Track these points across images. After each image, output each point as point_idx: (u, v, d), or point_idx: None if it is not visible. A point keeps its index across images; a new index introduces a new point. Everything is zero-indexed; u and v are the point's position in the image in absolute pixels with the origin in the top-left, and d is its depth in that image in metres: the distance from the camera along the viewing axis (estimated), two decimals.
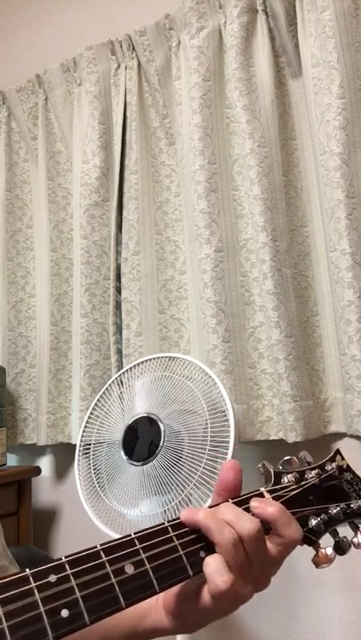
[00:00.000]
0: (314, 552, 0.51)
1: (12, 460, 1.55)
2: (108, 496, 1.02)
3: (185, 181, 1.29)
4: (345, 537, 0.53)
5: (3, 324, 1.51)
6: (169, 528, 0.46)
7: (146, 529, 0.45)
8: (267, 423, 1.15)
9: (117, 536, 0.96)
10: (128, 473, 0.99)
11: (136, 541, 0.44)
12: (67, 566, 0.41)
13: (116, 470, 1.02)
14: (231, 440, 0.91)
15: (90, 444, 1.10)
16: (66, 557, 0.41)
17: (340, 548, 0.52)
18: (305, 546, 0.51)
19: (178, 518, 0.47)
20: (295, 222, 1.22)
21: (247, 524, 0.45)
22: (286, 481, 0.54)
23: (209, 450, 0.92)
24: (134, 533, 0.45)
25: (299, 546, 0.49)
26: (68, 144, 1.54)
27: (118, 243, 1.39)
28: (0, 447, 1.34)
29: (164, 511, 0.94)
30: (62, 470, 1.49)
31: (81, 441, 1.11)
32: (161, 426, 0.97)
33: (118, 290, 1.38)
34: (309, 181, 1.23)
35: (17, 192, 1.60)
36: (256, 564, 0.46)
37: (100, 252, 1.39)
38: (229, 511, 0.47)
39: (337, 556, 0.51)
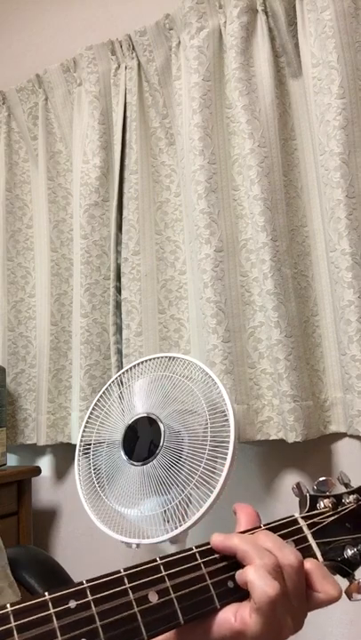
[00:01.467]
0: (348, 583, 0.48)
1: (12, 460, 1.55)
2: (107, 496, 1.02)
3: (185, 181, 1.29)
4: None
5: (3, 324, 1.51)
6: (197, 554, 0.43)
7: (173, 554, 0.43)
8: (267, 423, 1.15)
9: (117, 536, 0.96)
10: (128, 473, 0.99)
11: (162, 568, 0.41)
12: (88, 592, 0.38)
13: (115, 470, 1.02)
14: (231, 440, 0.91)
15: (90, 444, 1.10)
16: (87, 582, 0.39)
17: None
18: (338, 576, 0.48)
19: (207, 543, 0.44)
20: (295, 222, 1.22)
21: (290, 555, 0.42)
22: (322, 506, 0.51)
23: (209, 450, 0.92)
24: (160, 559, 0.42)
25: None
26: (68, 144, 1.54)
27: (118, 243, 1.39)
28: (0, 447, 1.34)
29: (164, 511, 0.94)
30: (62, 470, 1.49)
31: (81, 441, 1.11)
32: (161, 426, 0.97)
33: (118, 290, 1.38)
34: (309, 181, 1.23)
35: (17, 192, 1.60)
36: (295, 599, 0.42)
37: (100, 252, 1.39)
38: (270, 539, 0.43)
39: None
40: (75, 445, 1.15)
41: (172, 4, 1.34)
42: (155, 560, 0.42)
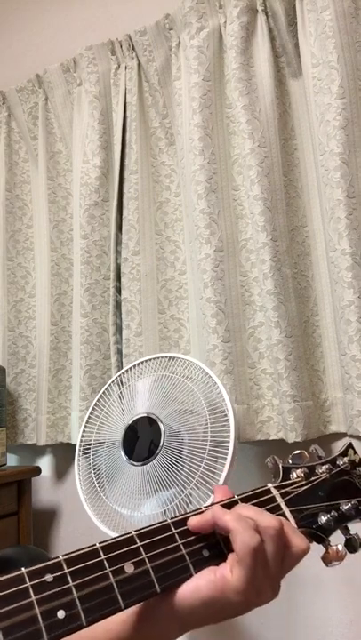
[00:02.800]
0: (323, 550, 0.49)
1: (12, 460, 1.55)
2: (108, 496, 1.02)
3: (185, 181, 1.29)
4: (356, 534, 0.51)
5: (3, 324, 1.51)
6: (171, 525, 0.45)
7: (147, 527, 0.44)
8: (267, 423, 1.15)
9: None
10: (128, 473, 0.99)
11: (137, 539, 0.43)
12: (64, 565, 0.39)
13: (116, 470, 1.02)
14: (231, 440, 0.91)
15: (90, 444, 1.10)
16: (63, 556, 0.40)
17: (352, 545, 0.50)
18: (314, 543, 0.49)
19: (180, 515, 0.46)
20: (295, 222, 1.22)
21: (271, 519, 0.44)
22: (295, 476, 0.53)
23: (209, 450, 0.92)
24: (135, 531, 0.43)
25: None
26: (68, 144, 1.54)
27: (118, 243, 1.39)
28: (0, 447, 1.34)
29: (165, 511, 0.94)
30: (62, 470, 1.49)
31: (81, 441, 1.11)
32: (161, 426, 0.97)
33: (118, 290, 1.38)
34: (309, 181, 1.23)
35: (17, 192, 1.60)
36: (274, 563, 0.44)
37: (100, 252, 1.39)
38: (248, 507, 0.45)
39: (347, 553, 0.49)
40: (75, 445, 1.15)
41: (172, 4, 1.34)
42: (130, 533, 0.43)
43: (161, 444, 0.95)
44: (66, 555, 0.40)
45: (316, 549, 0.51)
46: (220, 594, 0.41)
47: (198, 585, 0.42)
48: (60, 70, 1.53)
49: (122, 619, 0.45)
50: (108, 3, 1.58)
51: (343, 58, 1.11)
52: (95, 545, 0.41)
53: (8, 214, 1.57)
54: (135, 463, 0.98)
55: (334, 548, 0.49)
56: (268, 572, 0.43)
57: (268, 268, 1.13)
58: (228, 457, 0.90)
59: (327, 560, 0.49)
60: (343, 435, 1.15)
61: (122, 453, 1.01)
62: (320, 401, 1.15)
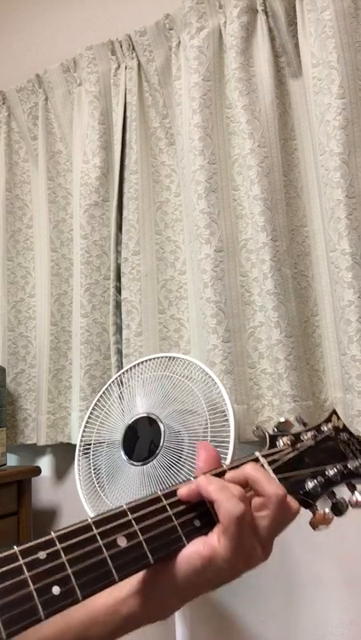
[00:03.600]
0: (311, 515, 0.50)
1: (12, 460, 1.55)
2: (108, 496, 1.02)
3: (185, 181, 1.29)
4: (342, 498, 0.52)
5: (3, 324, 1.51)
6: (162, 497, 0.45)
7: (138, 499, 0.44)
8: (267, 423, 1.15)
9: None
10: (128, 473, 0.99)
11: (128, 513, 0.43)
12: (56, 542, 0.39)
13: (116, 470, 1.02)
14: (231, 440, 0.91)
15: (90, 444, 1.10)
16: (55, 532, 0.40)
17: (338, 509, 0.51)
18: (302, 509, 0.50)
19: (171, 487, 0.46)
20: (295, 222, 1.22)
21: (277, 489, 0.44)
22: (281, 444, 0.53)
23: None
24: (126, 504, 0.43)
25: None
26: (68, 144, 1.54)
27: (118, 243, 1.39)
28: (0, 447, 1.34)
29: None
30: (62, 470, 1.49)
31: (81, 441, 1.11)
32: (161, 426, 0.97)
33: (118, 290, 1.38)
34: (309, 181, 1.23)
35: (17, 192, 1.60)
36: (265, 528, 0.45)
37: (100, 252, 1.39)
38: (257, 471, 0.46)
39: (335, 517, 0.50)
40: (75, 445, 1.15)
41: (172, 4, 1.34)
42: (121, 506, 0.43)
43: (161, 444, 0.95)
44: (58, 531, 0.40)
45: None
46: (209, 563, 0.42)
47: (189, 555, 0.43)
48: (60, 70, 1.52)
49: (121, 596, 0.46)
50: (108, 3, 1.58)
51: (343, 58, 1.11)
52: (87, 520, 0.42)
53: (8, 214, 1.57)
54: (135, 463, 0.98)
55: (321, 512, 0.49)
56: (257, 537, 0.44)
57: (268, 268, 1.13)
58: (228, 457, 0.90)
59: (315, 524, 0.50)
60: None
61: (122, 453, 1.01)
62: (320, 401, 1.15)
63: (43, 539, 0.39)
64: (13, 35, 1.75)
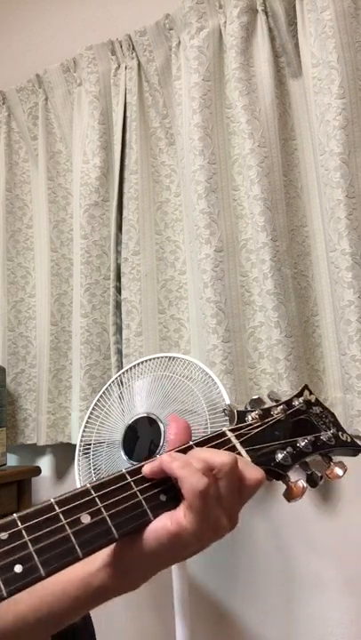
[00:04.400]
0: (284, 486, 0.50)
1: (12, 460, 1.55)
2: None
3: (185, 181, 1.29)
4: (317, 469, 0.52)
5: (3, 324, 1.51)
6: (126, 475, 0.46)
7: (102, 478, 0.45)
8: None
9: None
10: None
11: (92, 491, 0.43)
12: (18, 522, 0.40)
13: (116, 470, 1.02)
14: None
15: (90, 444, 1.10)
16: (17, 514, 0.41)
17: (313, 480, 0.51)
18: (274, 481, 0.50)
19: (136, 464, 0.47)
20: (295, 222, 1.22)
21: (223, 456, 0.45)
22: (250, 419, 0.54)
23: None
24: (90, 483, 0.44)
25: (268, 481, 0.49)
26: (68, 144, 1.54)
27: (118, 243, 1.39)
28: (0, 447, 1.34)
29: None
30: (62, 470, 1.49)
31: (81, 441, 1.11)
32: (161, 426, 0.97)
33: (118, 290, 1.38)
34: (309, 181, 1.23)
35: (17, 192, 1.60)
36: (229, 497, 0.46)
37: (100, 252, 1.39)
38: (203, 450, 0.47)
39: (309, 488, 0.50)
40: (75, 445, 1.15)
41: (172, 4, 1.34)
42: (84, 486, 0.44)
43: (161, 444, 0.95)
44: (20, 512, 0.41)
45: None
46: (176, 538, 0.43)
47: (157, 530, 0.44)
48: (60, 70, 1.52)
49: (92, 570, 0.47)
50: (108, 3, 1.58)
51: (343, 58, 1.11)
52: (50, 500, 0.42)
53: (8, 214, 1.57)
54: (135, 463, 0.98)
55: (295, 482, 0.50)
56: (222, 507, 0.45)
57: (268, 268, 1.13)
58: None
59: (289, 496, 0.50)
60: None
61: (122, 453, 1.01)
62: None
63: (3, 520, 0.40)
64: (13, 35, 1.75)
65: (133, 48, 1.41)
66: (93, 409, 1.13)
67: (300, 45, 1.20)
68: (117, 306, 1.37)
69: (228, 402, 0.94)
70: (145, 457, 0.97)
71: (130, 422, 1.02)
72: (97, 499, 0.43)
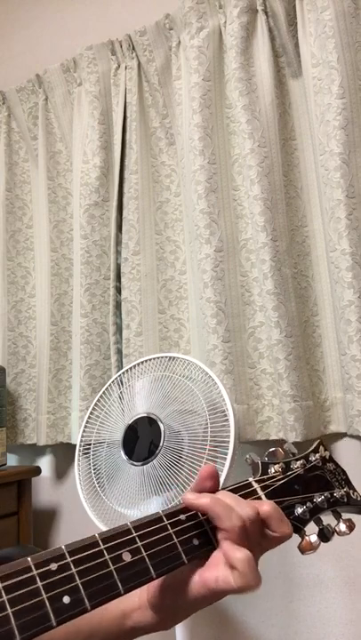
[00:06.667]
0: (300, 539, 0.53)
1: (12, 460, 1.55)
2: (108, 496, 1.02)
3: (185, 181, 1.29)
4: (328, 524, 0.55)
5: (3, 324, 1.51)
6: (163, 517, 0.48)
7: (141, 518, 0.47)
8: (267, 423, 1.15)
9: None
10: (128, 473, 0.99)
11: (132, 530, 0.46)
12: (67, 555, 0.42)
13: (116, 470, 1.02)
14: (231, 440, 0.91)
15: (90, 444, 1.10)
16: (65, 547, 0.43)
17: (324, 535, 0.54)
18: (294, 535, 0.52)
19: (171, 508, 0.49)
20: (295, 222, 1.22)
21: (247, 510, 0.47)
22: (273, 471, 0.57)
23: (209, 450, 0.92)
24: (130, 523, 0.46)
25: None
26: (68, 144, 1.54)
27: (118, 243, 1.39)
28: (0, 447, 1.34)
29: None
30: (62, 470, 1.49)
31: (81, 441, 1.11)
32: (161, 426, 0.97)
33: (118, 290, 1.38)
34: (309, 181, 1.23)
35: (17, 192, 1.60)
36: (254, 551, 0.47)
37: (100, 252, 1.39)
38: (229, 497, 0.49)
39: (322, 543, 0.53)
40: (75, 445, 1.15)
41: (172, 4, 1.34)
42: (125, 525, 0.46)
43: (161, 444, 0.95)
44: (68, 545, 0.43)
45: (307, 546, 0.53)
46: (223, 593, 0.46)
47: (205, 582, 0.46)
48: (60, 70, 1.53)
49: (127, 610, 0.51)
50: (108, 3, 1.58)
51: (343, 58, 1.11)
52: (95, 536, 0.44)
53: (8, 214, 1.57)
54: (135, 463, 0.98)
55: (308, 539, 0.53)
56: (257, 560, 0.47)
57: (268, 268, 1.13)
58: (228, 457, 0.90)
59: (303, 549, 0.53)
60: (343, 435, 1.15)
61: (122, 453, 1.01)
62: (320, 401, 1.15)
63: (54, 552, 0.42)
64: (13, 35, 1.75)
65: (133, 48, 1.41)
66: (93, 409, 1.13)
67: (300, 45, 1.20)
68: (117, 306, 1.37)
69: (228, 402, 0.94)
70: (145, 457, 0.97)
71: (130, 422, 1.02)
72: (137, 538, 0.45)
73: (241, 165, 1.24)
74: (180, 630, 1.01)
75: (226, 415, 0.94)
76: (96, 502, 1.04)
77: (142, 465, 0.97)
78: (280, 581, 1.17)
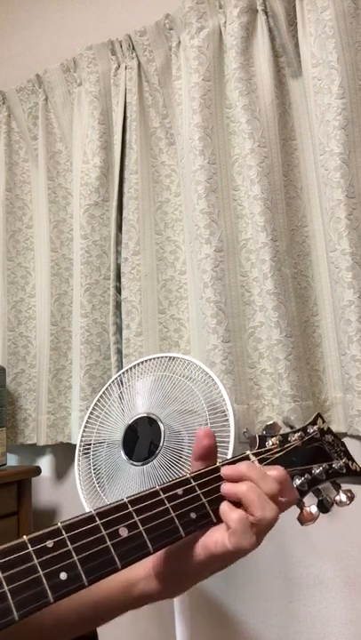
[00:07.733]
0: (298, 510, 0.53)
1: (12, 460, 1.55)
2: (108, 496, 1.02)
3: (185, 181, 1.29)
4: (328, 496, 0.55)
5: (3, 324, 1.51)
6: (160, 491, 0.48)
7: (137, 493, 0.47)
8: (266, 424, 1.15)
9: None
10: (128, 473, 0.99)
11: (129, 505, 0.46)
12: (63, 531, 0.42)
13: (116, 470, 1.02)
14: (231, 440, 0.91)
15: (90, 444, 1.10)
16: (62, 523, 0.43)
17: (324, 506, 0.54)
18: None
19: (168, 482, 0.49)
20: (295, 222, 1.22)
21: (273, 485, 0.47)
22: (270, 444, 0.57)
23: None
24: (126, 498, 0.46)
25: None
26: (68, 144, 1.54)
27: (118, 243, 1.39)
28: (0, 447, 1.34)
29: None
30: (62, 470, 1.49)
31: (81, 441, 1.11)
32: (161, 426, 0.97)
33: (118, 290, 1.38)
34: (309, 181, 1.23)
35: (17, 192, 1.60)
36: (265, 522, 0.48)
37: (100, 252, 1.39)
38: (253, 469, 0.49)
39: (321, 514, 0.53)
40: (75, 445, 1.15)
41: (172, 4, 1.34)
42: (122, 500, 0.46)
43: (161, 444, 0.95)
44: (64, 522, 0.43)
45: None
46: (224, 555, 0.46)
47: (207, 546, 0.47)
48: (60, 70, 1.52)
49: (135, 577, 0.51)
50: (108, 3, 1.58)
51: (343, 58, 1.11)
52: (91, 512, 0.44)
53: (8, 214, 1.57)
54: (135, 463, 0.98)
55: (308, 509, 0.53)
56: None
57: (268, 268, 1.13)
58: (228, 457, 0.90)
59: (303, 520, 0.53)
60: (343, 435, 1.15)
61: (122, 453, 1.01)
62: (320, 401, 1.15)
63: (50, 528, 0.42)
64: (13, 35, 1.75)
65: (133, 48, 1.41)
66: (93, 409, 1.13)
67: (300, 45, 1.20)
68: (117, 306, 1.37)
69: (228, 402, 0.94)
70: (145, 457, 0.97)
71: (130, 422, 1.02)
72: (133, 513, 0.45)
73: (241, 165, 1.24)
74: (180, 630, 1.01)
75: (226, 415, 0.94)
76: (96, 502, 1.04)
77: (142, 465, 0.97)
78: (280, 581, 1.17)
